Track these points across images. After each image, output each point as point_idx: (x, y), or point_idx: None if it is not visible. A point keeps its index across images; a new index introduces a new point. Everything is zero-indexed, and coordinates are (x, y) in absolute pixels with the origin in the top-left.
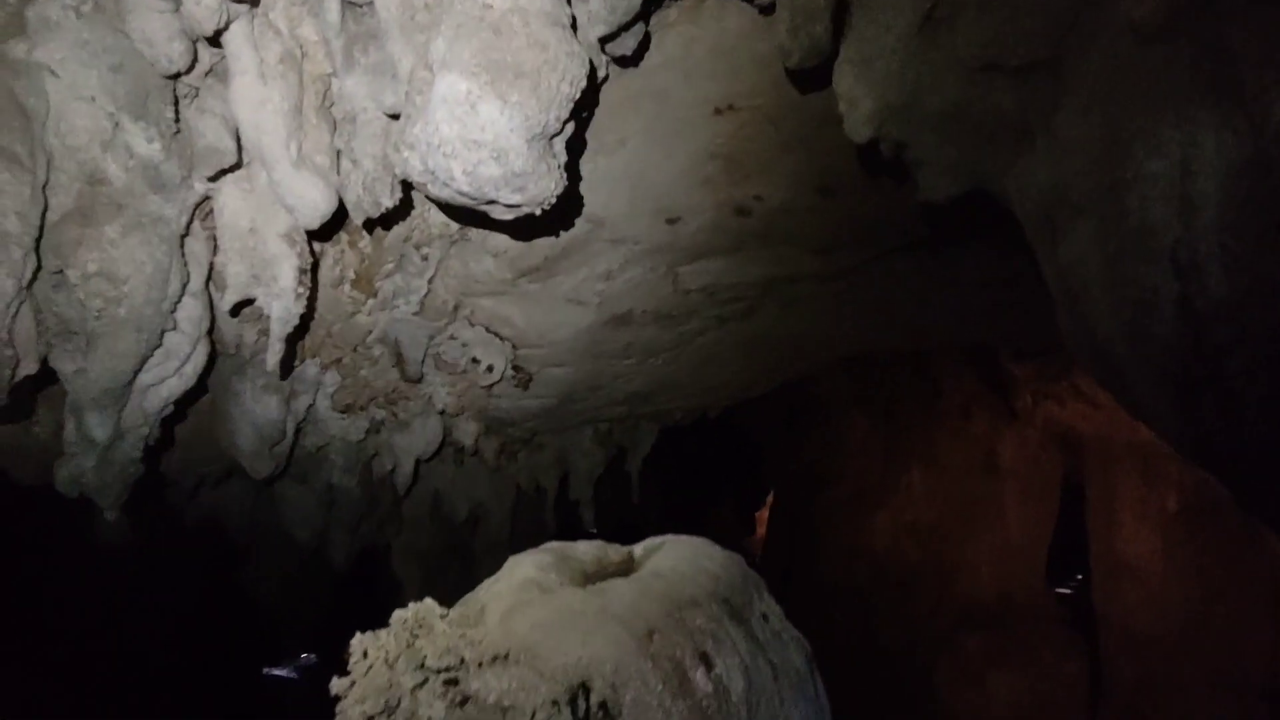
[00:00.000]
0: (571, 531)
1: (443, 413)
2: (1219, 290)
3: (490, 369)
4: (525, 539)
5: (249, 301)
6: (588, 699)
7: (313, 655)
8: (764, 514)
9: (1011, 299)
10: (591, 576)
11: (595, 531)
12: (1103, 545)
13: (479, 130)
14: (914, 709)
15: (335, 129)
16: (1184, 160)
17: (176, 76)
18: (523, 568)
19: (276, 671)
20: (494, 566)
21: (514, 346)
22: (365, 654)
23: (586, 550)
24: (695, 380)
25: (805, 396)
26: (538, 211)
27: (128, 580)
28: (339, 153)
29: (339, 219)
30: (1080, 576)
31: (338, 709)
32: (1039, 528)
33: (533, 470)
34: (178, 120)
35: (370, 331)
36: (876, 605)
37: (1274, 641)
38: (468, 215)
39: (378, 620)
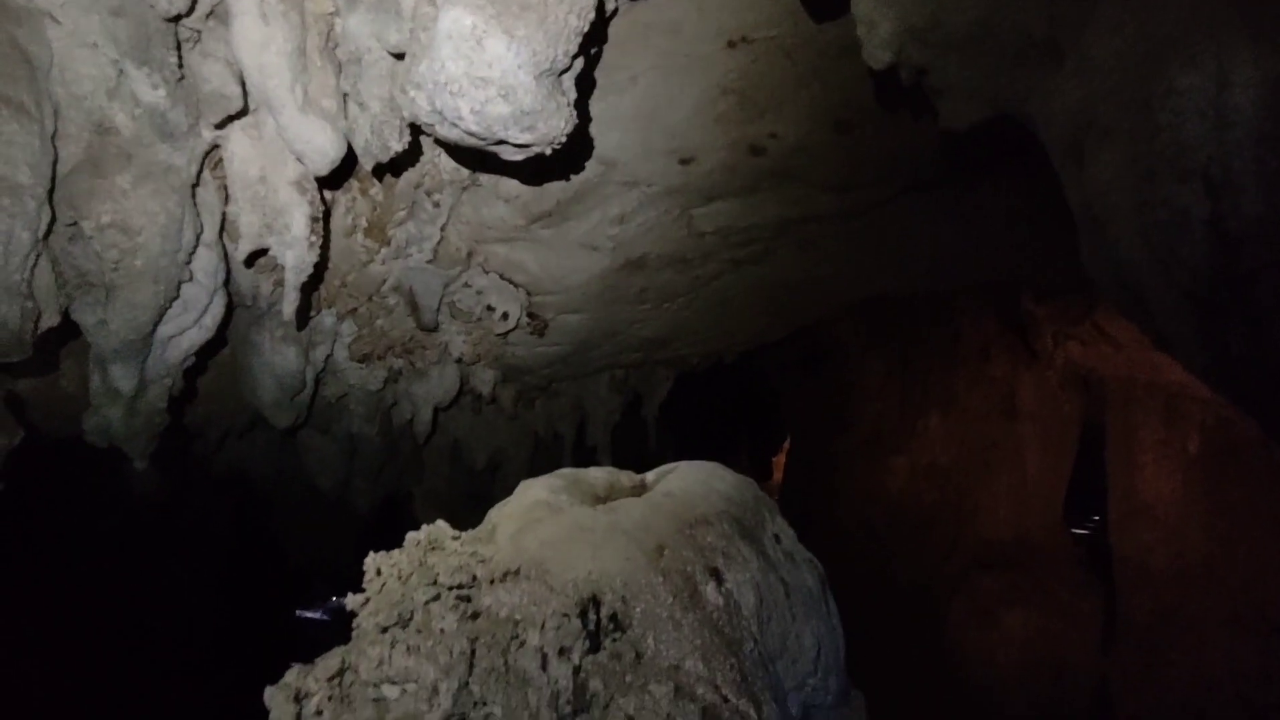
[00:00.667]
0: None
1: (459, 361)
2: (1253, 209)
3: (505, 316)
4: None
5: (263, 252)
6: (598, 612)
7: (343, 599)
8: (780, 459)
9: (1033, 237)
10: (603, 498)
11: None
12: (1122, 486)
13: (486, 67)
14: (929, 648)
15: (340, 71)
16: (1219, 73)
17: (177, 19)
18: (534, 490)
19: (308, 614)
20: None
21: (528, 293)
22: (379, 572)
23: (598, 475)
24: (711, 325)
25: (822, 341)
26: (548, 151)
27: (163, 529)
28: (345, 96)
29: (349, 165)
30: (1098, 518)
31: (354, 622)
32: (1057, 469)
33: (550, 418)
34: (181, 66)
35: (385, 280)
36: (893, 547)
37: None
38: (477, 158)
39: None
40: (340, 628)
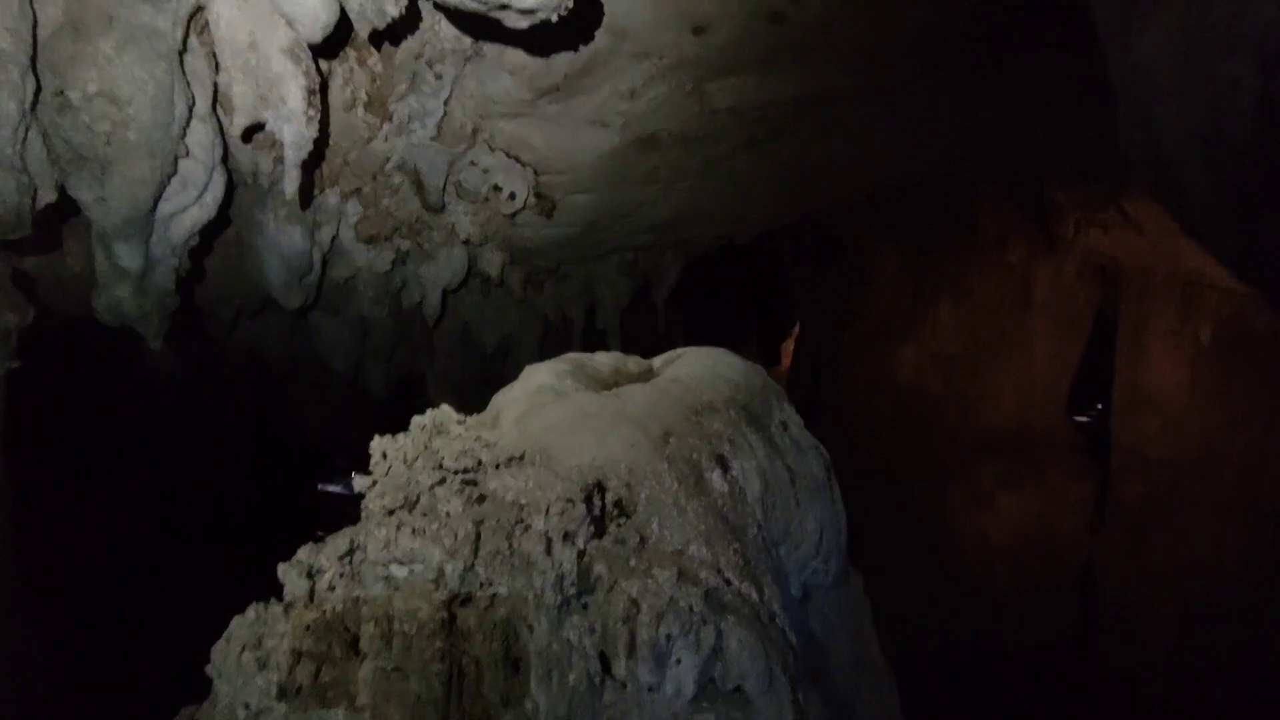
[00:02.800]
0: None
1: (467, 243)
2: None
3: (512, 196)
4: None
5: (260, 127)
6: (603, 498)
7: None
8: (789, 345)
9: (1062, 121)
10: (609, 384)
11: None
12: (1128, 375)
13: None
14: (927, 529)
15: None
16: None
17: None
18: (538, 375)
19: (330, 488)
20: None
21: (536, 173)
22: (384, 455)
23: (604, 360)
24: (722, 208)
25: (836, 228)
26: (554, 18)
27: (184, 408)
28: None
29: (344, 32)
30: (1100, 406)
31: (363, 504)
32: (1065, 359)
33: (559, 301)
34: None
35: (388, 159)
36: (897, 434)
37: None
38: (479, 25)
39: None
40: (361, 503)
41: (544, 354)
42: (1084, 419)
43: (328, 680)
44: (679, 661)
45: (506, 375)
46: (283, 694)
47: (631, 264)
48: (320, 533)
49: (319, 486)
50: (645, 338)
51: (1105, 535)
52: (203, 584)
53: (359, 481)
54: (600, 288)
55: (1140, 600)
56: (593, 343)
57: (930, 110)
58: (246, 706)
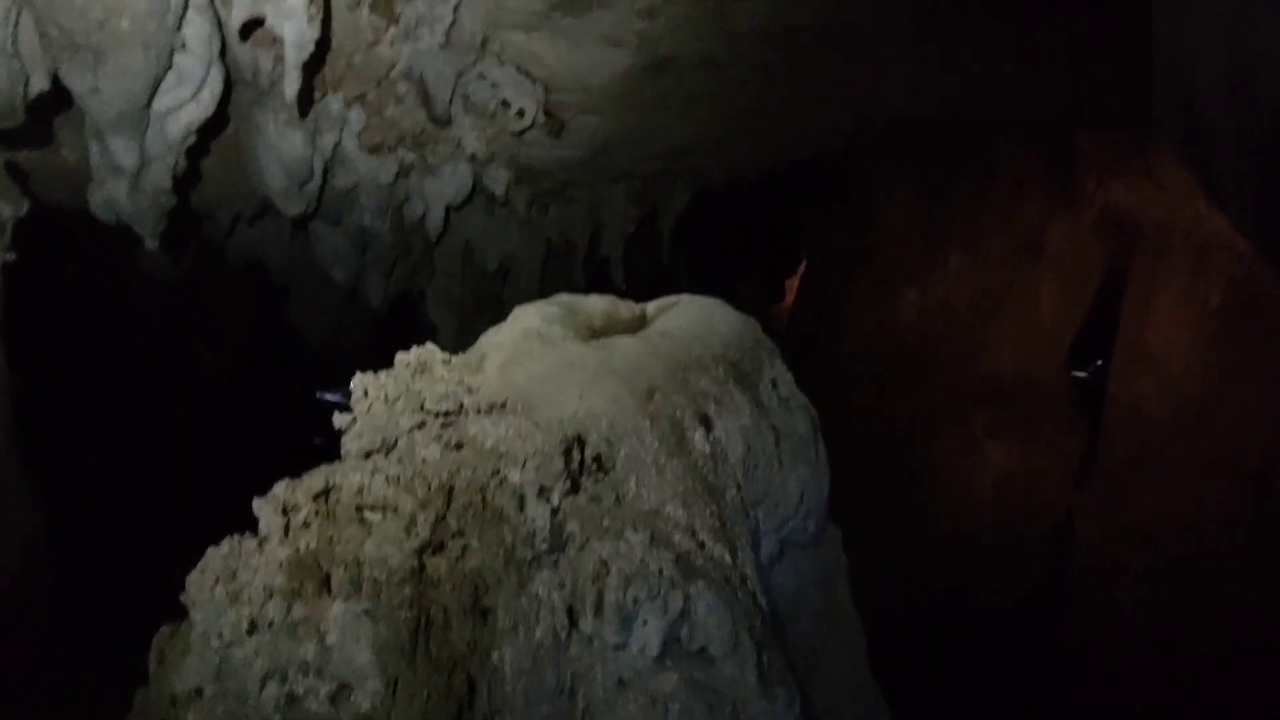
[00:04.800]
0: (600, 288)
1: (473, 159)
2: None
3: (521, 114)
4: (554, 293)
5: (259, 22)
6: (582, 452)
7: None
8: (794, 282)
9: (1095, 65)
10: (599, 331)
11: (625, 288)
12: (1131, 333)
13: None
14: (913, 474)
15: None
16: None
17: None
18: (527, 318)
19: (329, 396)
20: None
21: (546, 90)
22: (366, 392)
23: (597, 304)
24: (737, 137)
25: (849, 166)
26: None
27: (183, 310)
28: None
29: None
30: (1100, 362)
31: (342, 442)
32: (1070, 314)
33: (563, 224)
34: None
35: (394, 65)
36: (893, 379)
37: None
38: None
39: None
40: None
41: (545, 277)
42: (1083, 374)
43: (299, 617)
44: (645, 623)
45: (506, 296)
46: (254, 628)
47: (639, 191)
48: (317, 440)
49: (317, 394)
50: (649, 266)
51: (1087, 489)
52: (198, 485)
53: (339, 419)
54: (606, 213)
55: (1112, 554)
56: (595, 269)
57: (958, 47)
58: (219, 636)
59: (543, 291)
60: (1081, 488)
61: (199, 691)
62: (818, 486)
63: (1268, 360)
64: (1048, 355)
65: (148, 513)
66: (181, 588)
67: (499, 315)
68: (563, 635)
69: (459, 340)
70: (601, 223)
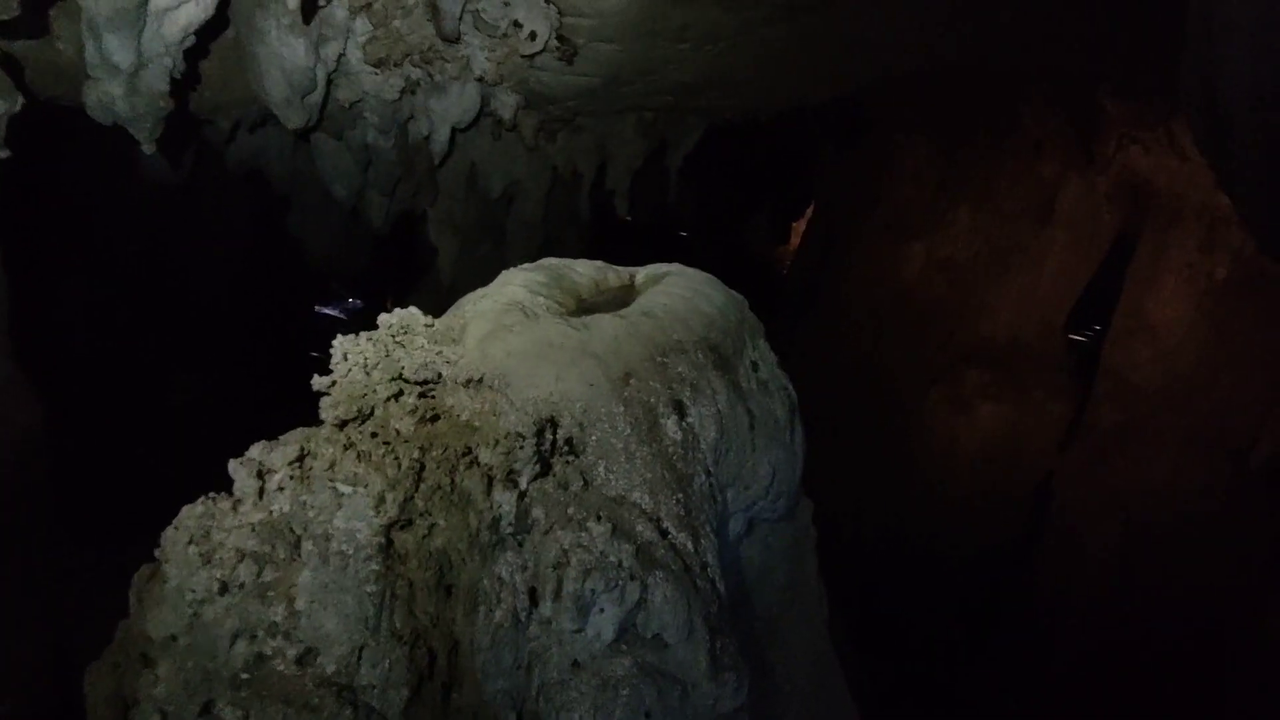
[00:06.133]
0: (604, 221)
1: (481, 80)
2: None
3: (533, 36)
4: (558, 222)
5: None
6: (554, 434)
7: (358, 300)
8: (800, 225)
9: (1131, 29)
10: (586, 300)
11: (630, 219)
12: (1133, 302)
13: None
14: (901, 429)
15: None
16: None
17: None
18: (512, 286)
19: (327, 310)
20: (526, 247)
21: (560, 13)
22: (345, 356)
23: (585, 271)
24: (753, 76)
25: (866, 112)
26: None
27: (180, 217)
28: None
29: None
30: (1098, 328)
31: (320, 406)
32: (1074, 278)
33: (571, 154)
34: None
35: None
36: (891, 332)
37: (1266, 414)
38: None
39: (417, 279)
40: (356, 328)
41: (550, 206)
42: (1079, 338)
43: (269, 580)
44: (602, 611)
45: (509, 224)
46: (225, 589)
47: (650, 124)
48: (315, 354)
49: (315, 308)
50: (655, 201)
51: (1070, 456)
52: (192, 387)
53: (318, 381)
54: (614, 145)
55: (1088, 516)
56: (600, 201)
57: None
58: (192, 592)
59: (546, 220)
60: (1065, 451)
61: (173, 639)
62: (790, 469)
63: (1263, 339)
64: (1046, 319)
65: (142, 411)
66: (173, 488)
67: (501, 242)
68: (523, 616)
69: (459, 263)
70: (609, 154)
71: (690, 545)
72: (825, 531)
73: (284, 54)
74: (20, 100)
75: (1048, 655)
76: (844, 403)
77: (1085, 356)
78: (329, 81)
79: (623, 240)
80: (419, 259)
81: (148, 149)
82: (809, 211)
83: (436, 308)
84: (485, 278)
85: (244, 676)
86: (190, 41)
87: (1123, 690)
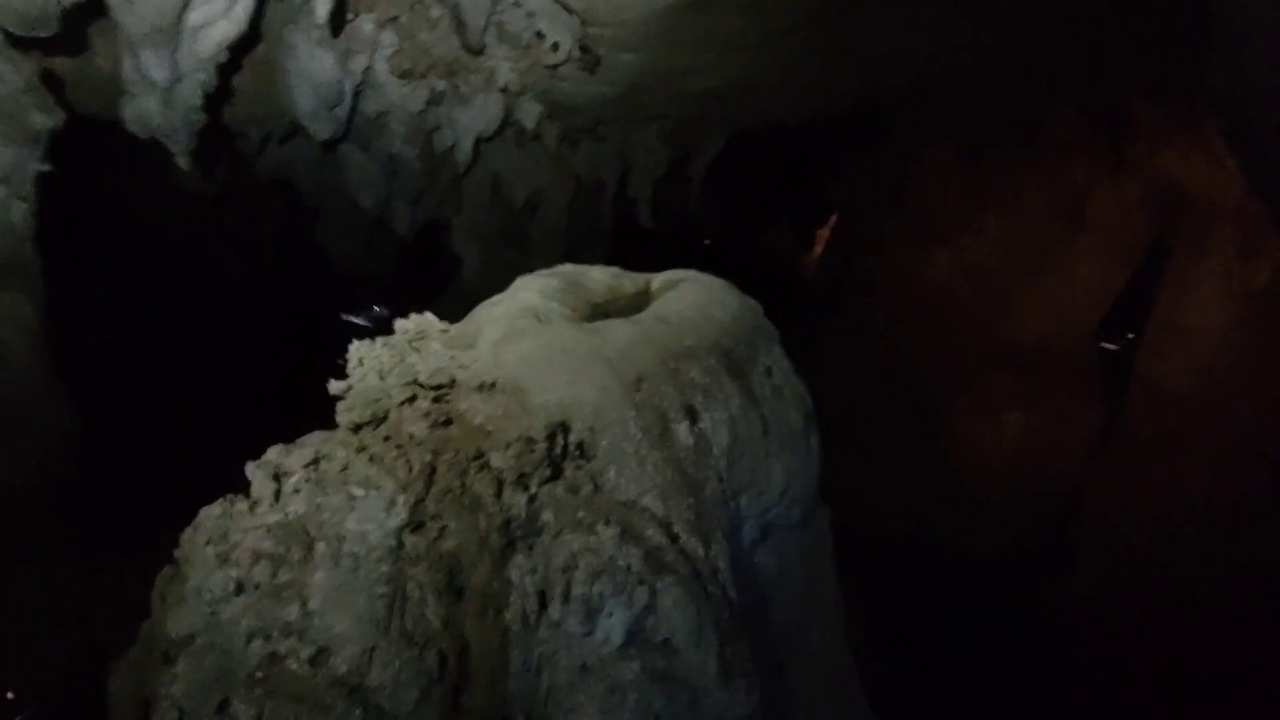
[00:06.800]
0: (627, 229)
1: (504, 90)
2: None
3: (556, 47)
4: (581, 231)
5: None
6: (566, 438)
7: (385, 309)
8: (825, 233)
9: (1160, 31)
10: (601, 306)
11: (653, 227)
12: (1168, 309)
13: None
14: (928, 436)
15: None
16: None
17: None
18: (527, 292)
19: (353, 318)
20: (549, 255)
21: (582, 23)
22: (361, 362)
23: (600, 277)
24: (775, 84)
25: (889, 116)
26: None
27: (211, 226)
28: None
29: None
30: (1132, 335)
31: (337, 410)
32: (1105, 285)
33: (593, 162)
34: None
35: None
36: (916, 337)
37: None
38: None
39: (441, 288)
40: (381, 336)
41: (573, 214)
42: (1112, 347)
43: (284, 581)
44: (610, 615)
45: (533, 232)
46: (240, 589)
47: (672, 133)
48: (340, 361)
49: (341, 316)
50: (677, 210)
51: (1103, 466)
52: (223, 395)
53: (334, 385)
54: (637, 154)
55: (1122, 528)
56: (623, 209)
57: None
58: (210, 592)
59: (569, 228)
60: (1098, 460)
61: (191, 638)
62: (805, 475)
63: None
64: (1076, 326)
65: (174, 415)
66: (201, 490)
67: (525, 250)
68: (532, 619)
69: (484, 271)
70: (632, 163)
71: (701, 550)
72: (848, 540)
73: (313, 67)
74: (62, 116)
75: (1079, 668)
76: (869, 410)
77: (1119, 365)
78: (356, 94)
79: (646, 248)
80: (444, 268)
81: (182, 162)
82: (833, 220)
83: (461, 316)
84: (509, 286)
85: (258, 675)
86: (223, 57)
87: (1159, 706)
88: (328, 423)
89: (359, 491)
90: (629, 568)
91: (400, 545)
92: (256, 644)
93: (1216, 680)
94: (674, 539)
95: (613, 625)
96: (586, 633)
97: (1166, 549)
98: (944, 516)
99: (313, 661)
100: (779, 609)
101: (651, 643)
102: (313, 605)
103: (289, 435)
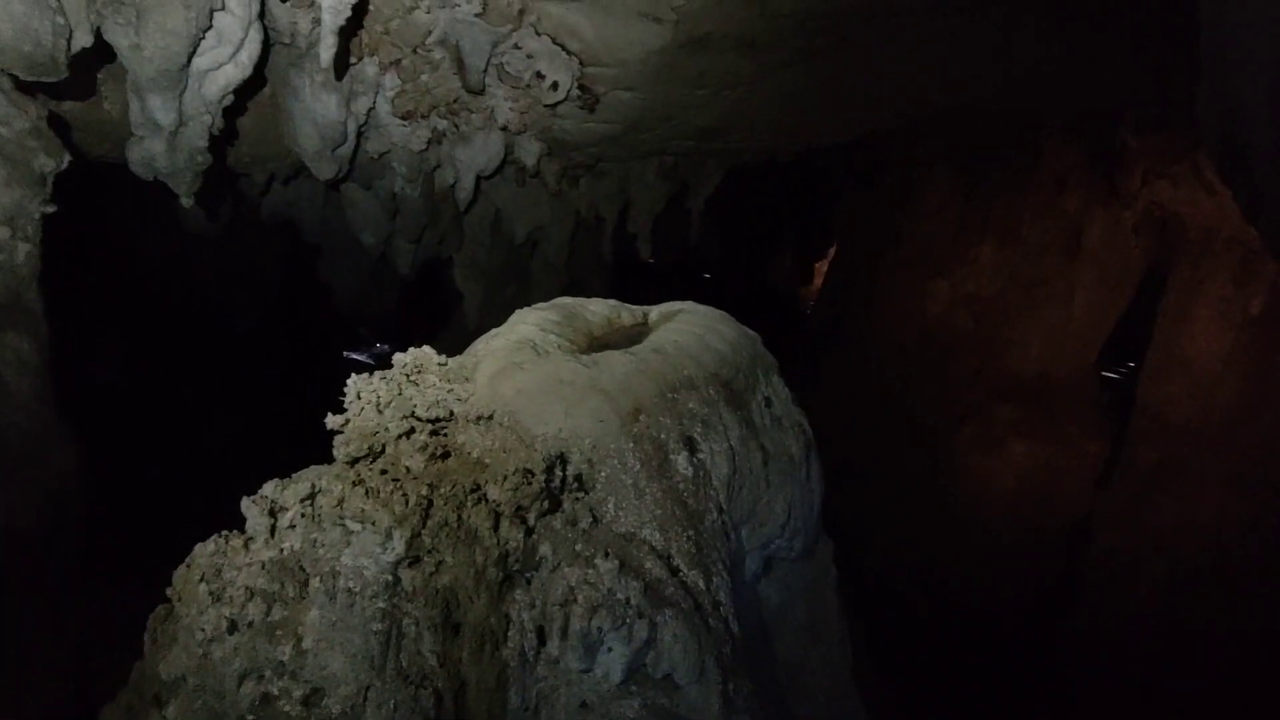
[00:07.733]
0: (628, 264)
1: (505, 129)
2: None
3: (555, 86)
4: (582, 266)
5: None
6: (564, 470)
7: (386, 345)
8: (823, 265)
9: (1145, 59)
10: (599, 339)
11: (654, 262)
12: (1167, 337)
13: None
14: (932, 467)
15: None
16: None
17: None
18: (525, 325)
19: (355, 355)
20: (550, 290)
21: (581, 63)
22: (359, 395)
23: (598, 310)
24: (771, 119)
25: (887, 150)
26: None
27: (215, 266)
28: None
29: None
30: (1132, 364)
31: (334, 444)
32: (1104, 314)
33: (593, 198)
34: None
35: (430, 32)
36: (917, 368)
37: None
38: None
39: (443, 324)
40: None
41: (573, 249)
42: (1113, 375)
43: (277, 619)
44: (610, 650)
45: (534, 268)
46: (234, 628)
47: (671, 168)
48: (342, 398)
49: (344, 353)
50: (677, 244)
51: (1108, 492)
52: (226, 434)
53: (331, 420)
54: (636, 189)
55: (1130, 559)
56: (623, 244)
57: (1004, 34)
58: (202, 632)
59: (570, 264)
60: (1103, 490)
61: (183, 679)
62: (807, 506)
63: None
64: (1077, 355)
65: (178, 453)
66: (204, 528)
67: (526, 286)
68: (530, 655)
69: (485, 307)
70: (632, 198)
71: (702, 583)
72: (852, 573)
73: (316, 109)
74: (67, 158)
75: (1087, 700)
76: (871, 441)
77: (1120, 394)
78: (359, 134)
79: (646, 282)
80: (445, 304)
81: (186, 203)
82: (832, 251)
83: (462, 352)
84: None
85: (250, 718)
86: (229, 100)
87: None
88: (329, 459)
89: (355, 526)
90: (628, 601)
91: (396, 580)
92: (249, 685)
93: (1227, 711)
94: (674, 571)
95: (612, 661)
96: (586, 669)
97: (1177, 580)
98: (948, 549)
99: (305, 702)
100: (782, 644)
101: (652, 678)
102: (306, 644)
103: (291, 472)
